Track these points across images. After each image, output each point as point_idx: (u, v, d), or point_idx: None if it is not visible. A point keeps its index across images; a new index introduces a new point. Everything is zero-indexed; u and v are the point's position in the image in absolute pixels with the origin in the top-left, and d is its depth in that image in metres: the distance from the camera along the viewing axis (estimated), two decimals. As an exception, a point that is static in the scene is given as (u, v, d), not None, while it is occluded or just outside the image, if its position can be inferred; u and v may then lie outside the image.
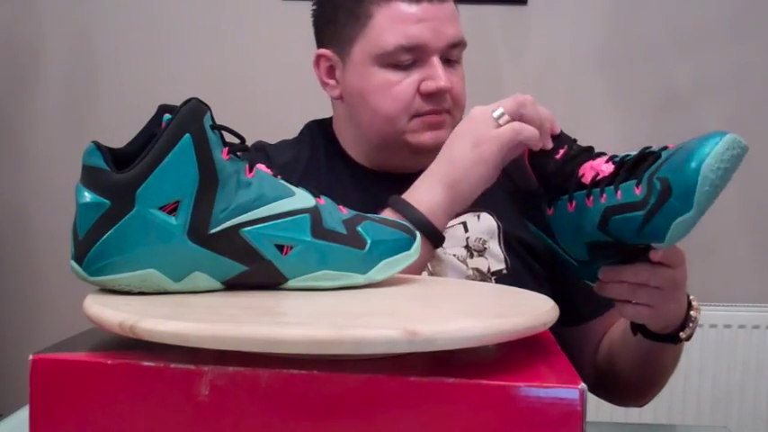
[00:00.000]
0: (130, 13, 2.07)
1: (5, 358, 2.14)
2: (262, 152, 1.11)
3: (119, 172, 0.60)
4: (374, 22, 1.00)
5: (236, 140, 0.64)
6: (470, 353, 0.52)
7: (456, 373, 0.48)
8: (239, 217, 0.62)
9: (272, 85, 2.08)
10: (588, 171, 0.79)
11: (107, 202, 0.59)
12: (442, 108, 1.03)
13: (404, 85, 1.01)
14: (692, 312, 0.90)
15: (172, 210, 0.60)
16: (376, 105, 1.02)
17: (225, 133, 0.64)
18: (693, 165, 0.69)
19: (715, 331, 1.92)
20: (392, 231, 0.68)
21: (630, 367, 1.02)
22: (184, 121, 0.61)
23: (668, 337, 0.91)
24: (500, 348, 0.56)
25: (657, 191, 0.70)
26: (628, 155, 0.78)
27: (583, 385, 0.47)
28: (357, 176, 1.09)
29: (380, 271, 0.65)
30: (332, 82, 1.08)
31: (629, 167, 0.76)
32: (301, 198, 0.66)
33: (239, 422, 0.49)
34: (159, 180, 0.59)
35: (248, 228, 0.62)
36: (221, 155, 0.62)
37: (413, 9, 0.99)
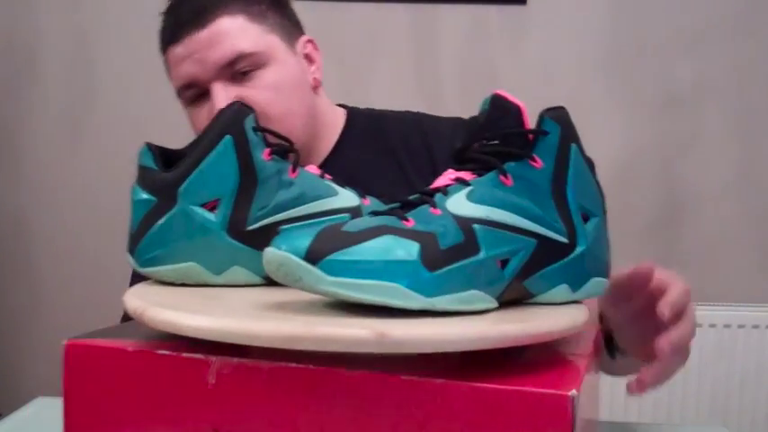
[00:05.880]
0: (130, 13, 2.08)
1: (5, 358, 2.16)
2: None
3: (165, 171, 0.64)
4: (168, 69, 1.08)
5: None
6: (496, 354, 0.52)
7: (447, 374, 0.48)
8: (278, 215, 0.65)
9: None
10: None
11: (154, 198, 0.63)
12: None
13: (200, 119, 1.05)
14: None
15: (212, 207, 0.63)
16: None
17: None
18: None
19: (715, 331, 1.91)
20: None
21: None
22: (226, 123, 0.64)
23: None
24: (526, 350, 0.55)
25: None
26: None
27: (574, 392, 0.46)
28: None
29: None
30: None
31: None
32: (344, 198, 0.68)
33: (242, 410, 0.51)
34: (200, 179, 0.63)
35: (286, 225, 0.64)
36: (262, 155, 0.65)
37: (178, 49, 1.03)
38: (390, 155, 1.13)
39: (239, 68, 1.01)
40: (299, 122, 1.06)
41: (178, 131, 2.04)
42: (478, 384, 0.47)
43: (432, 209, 0.56)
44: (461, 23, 2.03)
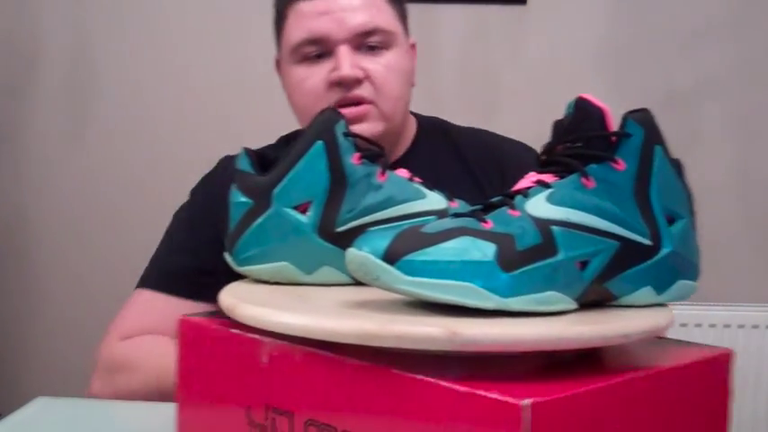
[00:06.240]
0: (130, 13, 2.07)
1: (5, 358, 2.15)
2: (222, 164, 1.17)
3: (261, 175, 0.67)
4: (287, 23, 1.06)
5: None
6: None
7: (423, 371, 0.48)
8: (365, 217, 0.67)
9: (271, 85, 2.07)
10: None
11: (250, 201, 0.67)
12: (355, 98, 1.02)
13: (313, 78, 1.03)
14: None
15: (304, 209, 0.66)
16: (296, 102, 1.07)
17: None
18: None
19: (715, 331, 1.87)
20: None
21: None
22: (318, 129, 0.67)
23: None
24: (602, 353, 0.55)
25: None
26: None
27: (527, 402, 0.43)
28: None
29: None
30: (283, 83, 1.13)
31: None
32: (432, 201, 0.69)
33: (288, 389, 0.54)
34: (293, 182, 0.66)
35: (373, 227, 0.66)
36: (352, 160, 0.67)
37: (317, 4, 1.02)
38: (464, 166, 1.14)
39: (370, 41, 1.03)
40: (401, 110, 1.08)
41: (178, 131, 2.10)
42: (438, 382, 0.47)
43: (510, 210, 0.57)
44: (461, 23, 2.00)
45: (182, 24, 2.06)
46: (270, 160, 0.69)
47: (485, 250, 0.53)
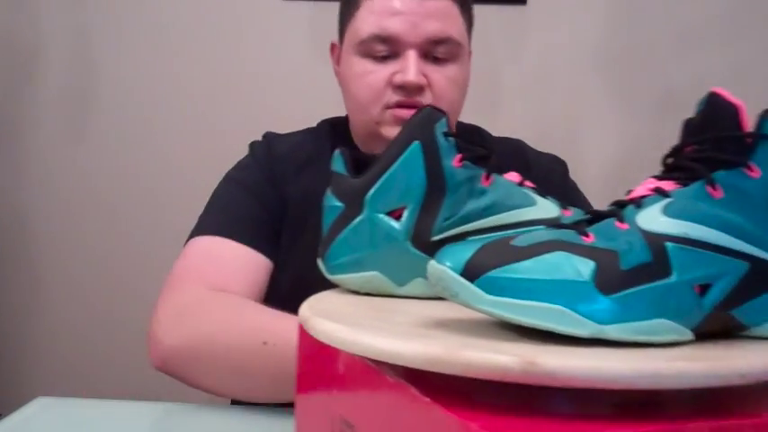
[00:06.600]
0: (130, 13, 2.05)
1: (5, 358, 2.14)
2: (263, 141, 1.13)
3: (354, 177, 0.63)
4: (359, 13, 1.02)
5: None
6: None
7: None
8: (465, 225, 0.61)
9: (271, 85, 2.03)
10: None
11: (341, 205, 0.63)
12: (414, 103, 0.99)
13: (378, 74, 1.01)
14: None
15: (398, 215, 0.61)
16: (354, 92, 1.04)
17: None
18: None
19: None
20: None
21: None
22: (415, 129, 0.61)
23: None
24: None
25: None
26: None
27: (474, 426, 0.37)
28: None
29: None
30: (338, 69, 1.11)
31: None
32: (543, 208, 0.62)
33: (354, 402, 0.49)
34: (387, 186, 0.61)
35: (473, 237, 0.60)
36: (452, 162, 0.61)
37: (393, 2, 0.99)
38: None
39: (438, 51, 1.01)
40: (453, 121, 1.06)
41: (178, 131, 2.08)
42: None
43: (618, 223, 0.49)
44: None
45: (182, 25, 2.06)
46: (366, 161, 0.64)
47: (581, 268, 0.46)
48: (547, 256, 0.47)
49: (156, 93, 2.04)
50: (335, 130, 1.14)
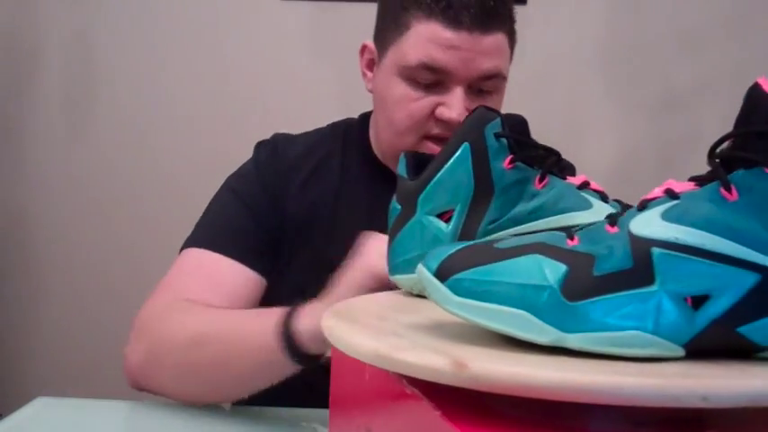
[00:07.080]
0: (130, 13, 2.03)
1: (5, 358, 2.10)
2: (270, 144, 1.08)
3: (412, 179, 0.63)
4: (409, 34, 0.96)
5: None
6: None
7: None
8: (510, 229, 0.59)
9: (271, 85, 1.95)
10: None
11: (399, 207, 0.63)
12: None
13: (421, 103, 0.97)
14: None
15: (448, 217, 0.61)
16: (392, 114, 1.00)
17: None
18: None
19: None
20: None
21: None
22: (466, 130, 0.61)
23: None
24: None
25: None
26: None
27: None
28: (374, 177, 1.07)
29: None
30: (369, 74, 1.07)
31: None
32: (597, 212, 0.59)
33: (384, 408, 0.50)
34: (437, 188, 0.61)
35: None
36: (502, 164, 0.60)
37: (448, 34, 0.93)
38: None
39: (485, 85, 0.97)
40: None
41: (179, 131, 2.05)
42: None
43: (608, 226, 0.46)
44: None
45: (181, 25, 2.04)
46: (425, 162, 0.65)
47: (548, 272, 0.44)
48: (520, 259, 0.45)
49: (155, 93, 2.07)
50: (348, 137, 1.11)
